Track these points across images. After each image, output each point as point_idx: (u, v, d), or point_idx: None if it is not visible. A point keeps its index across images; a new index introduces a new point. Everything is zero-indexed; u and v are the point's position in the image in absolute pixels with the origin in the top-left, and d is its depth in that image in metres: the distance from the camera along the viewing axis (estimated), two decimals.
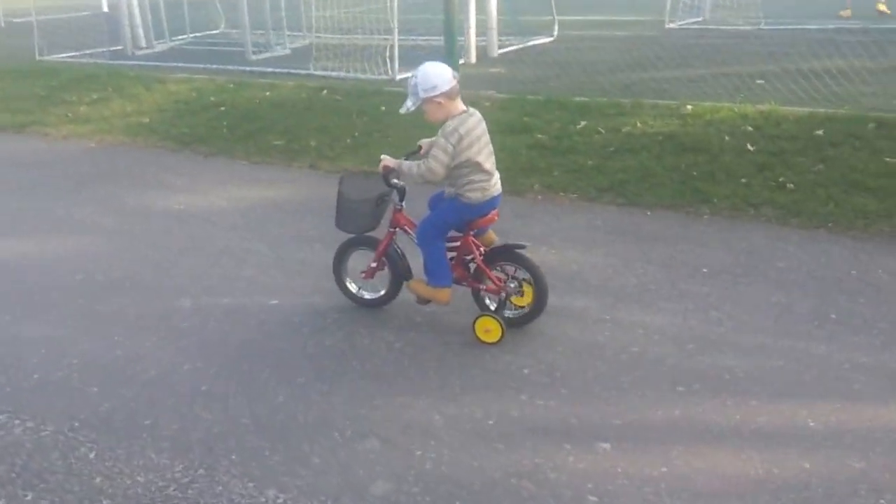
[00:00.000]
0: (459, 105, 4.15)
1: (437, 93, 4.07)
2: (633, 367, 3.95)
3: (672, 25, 14.19)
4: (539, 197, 6.39)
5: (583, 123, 7.67)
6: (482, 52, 11.50)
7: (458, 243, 4.37)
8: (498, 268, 4.37)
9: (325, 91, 9.60)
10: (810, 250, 5.19)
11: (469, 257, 4.39)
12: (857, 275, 4.83)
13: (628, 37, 13.22)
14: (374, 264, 4.54)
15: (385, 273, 4.58)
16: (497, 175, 4.26)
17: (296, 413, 3.67)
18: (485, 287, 4.39)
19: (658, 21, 14.15)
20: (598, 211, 6.04)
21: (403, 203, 4.44)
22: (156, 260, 5.49)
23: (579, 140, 7.30)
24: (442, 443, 3.42)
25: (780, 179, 6.18)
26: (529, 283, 4.35)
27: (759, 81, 9.07)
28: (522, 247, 4.31)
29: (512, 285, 4.35)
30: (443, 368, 4.01)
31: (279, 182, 7.08)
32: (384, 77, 10.21)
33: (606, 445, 3.36)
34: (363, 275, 4.59)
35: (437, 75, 4.10)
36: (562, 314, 4.48)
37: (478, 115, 4.19)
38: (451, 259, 4.38)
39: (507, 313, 4.37)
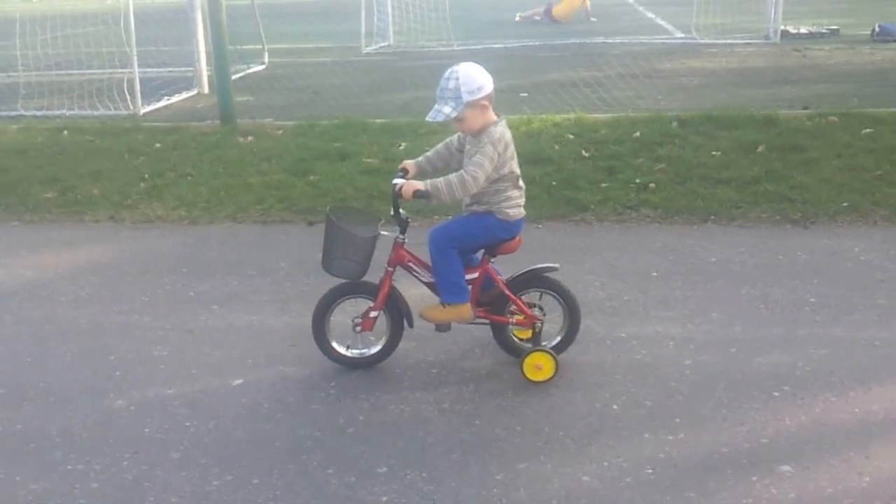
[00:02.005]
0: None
1: (483, 94, 3.49)
2: (711, 382, 3.67)
3: (368, 50, 14.16)
4: (415, 224, 5.82)
5: (403, 145, 7.22)
6: (210, 82, 10.46)
7: (476, 275, 3.76)
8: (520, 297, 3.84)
9: (65, 132, 8.01)
10: (721, 243, 5.30)
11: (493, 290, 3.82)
12: (786, 260, 5.01)
13: (336, 62, 12.95)
14: (374, 313, 3.75)
15: (381, 321, 3.82)
16: None
17: None
18: (514, 321, 3.82)
19: (353, 47, 14.01)
20: None
21: (405, 236, 3.72)
22: (14, 357, 4.08)
23: None
24: None
25: (637, 181, 6.29)
26: (540, 308, 3.89)
27: (522, 94, 9.29)
28: (554, 268, 3.83)
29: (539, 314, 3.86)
30: (526, 422, 3.41)
31: (85, 241, 5.71)
32: (123, 112, 8.80)
33: (787, 468, 3.06)
34: (359, 328, 3.78)
35: (481, 74, 3.53)
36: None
37: None
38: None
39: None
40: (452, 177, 3.51)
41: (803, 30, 13.66)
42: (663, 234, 5.52)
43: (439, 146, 3.87)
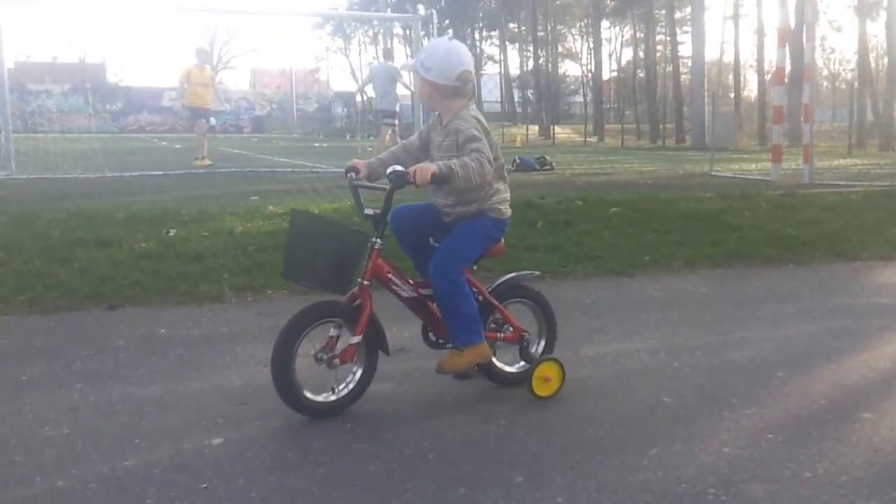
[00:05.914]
0: None
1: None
2: (718, 374, 3.71)
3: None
4: (248, 298, 5.11)
5: (173, 231, 6.32)
6: None
7: None
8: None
9: None
10: (579, 291, 5.41)
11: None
12: (646, 297, 5.29)
13: None
14: (355, 339, 3.06)
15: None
16: None
17: None
18: (503, 335, 3.43)
19: None
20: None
21: (381, 241, 3.12)
22: None
23: (204, 245, 6.01)
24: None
25: None
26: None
27: (253, 198, 8.78)
28: (535, 275, 3.67)
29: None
30: (607, 421, 3.12)
31: None
32: None
33: (868, 415, 3.18)
34: (337, 361, 3.04)
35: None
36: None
37: None
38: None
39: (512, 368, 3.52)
40: (465, 158, 3.02)
41: None
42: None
43: (394, 148, 3.49)
